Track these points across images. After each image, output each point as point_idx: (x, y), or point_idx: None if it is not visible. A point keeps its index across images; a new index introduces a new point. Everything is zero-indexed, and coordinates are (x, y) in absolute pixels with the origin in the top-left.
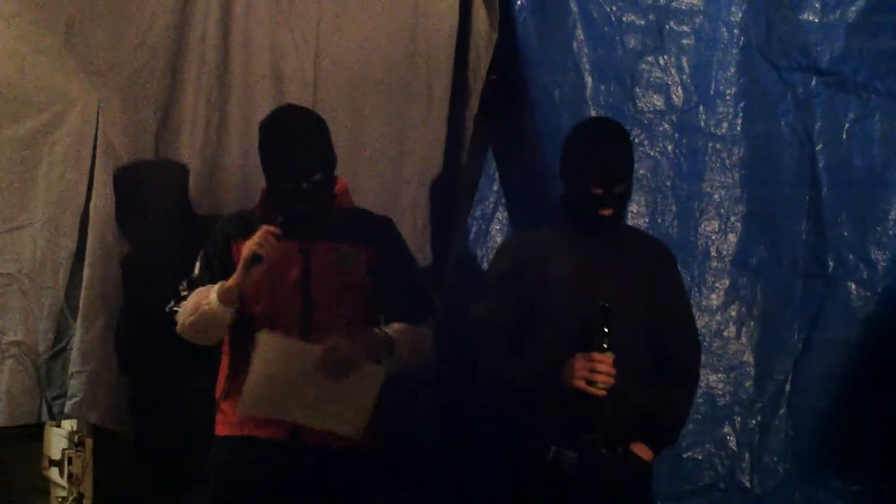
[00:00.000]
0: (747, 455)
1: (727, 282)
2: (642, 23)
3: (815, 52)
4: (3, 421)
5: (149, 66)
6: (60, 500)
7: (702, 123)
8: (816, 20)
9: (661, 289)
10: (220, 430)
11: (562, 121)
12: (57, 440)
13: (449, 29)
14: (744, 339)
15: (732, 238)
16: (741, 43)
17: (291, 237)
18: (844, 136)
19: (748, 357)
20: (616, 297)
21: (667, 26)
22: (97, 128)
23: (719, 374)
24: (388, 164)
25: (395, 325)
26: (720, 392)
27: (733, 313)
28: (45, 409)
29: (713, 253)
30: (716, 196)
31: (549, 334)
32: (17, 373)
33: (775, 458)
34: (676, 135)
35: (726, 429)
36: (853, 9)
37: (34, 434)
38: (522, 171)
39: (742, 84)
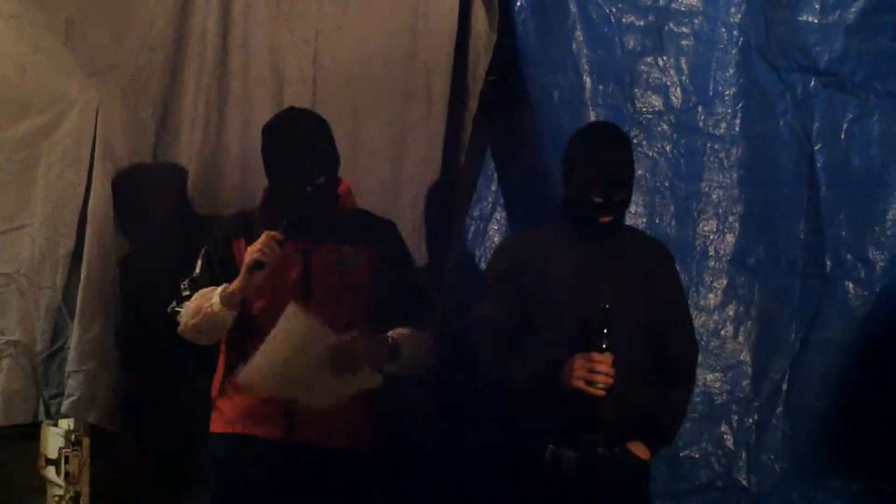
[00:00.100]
0: (744, 454)
1: (725, 281)
2: (641, 23)
3: (813, 53)
4: (0, 420)
5: (148, 66)
6: (57, 499)
7: (700, 124)
8: (815, 21)
9: (660, 289)
10: (216, 426)
11: (561, 121)
12: (54, 439)
13: (448, 29)
14: (741, 339)
15: (730, 238)
16: (740, 43)
17: (294, 238)
18: (843, 137)
19: (746, 356)
20: (616, 297)
21: (666, 27)
22: (96, 128)
23: (717, 374)
24: (386, 165)
25: (400, 330)
26: (717, 391)
27: (731, 313)
28: (42, 408)
29: (711, 253)
30: (714, 196)
31: (548, 334)
32: (14, 372)
33: (772, 458)
34: (675, 135)
35: (723, 428)
36: (852, 9)
37: (31, 433)
38: (521, 171)
39: (741, 84)
